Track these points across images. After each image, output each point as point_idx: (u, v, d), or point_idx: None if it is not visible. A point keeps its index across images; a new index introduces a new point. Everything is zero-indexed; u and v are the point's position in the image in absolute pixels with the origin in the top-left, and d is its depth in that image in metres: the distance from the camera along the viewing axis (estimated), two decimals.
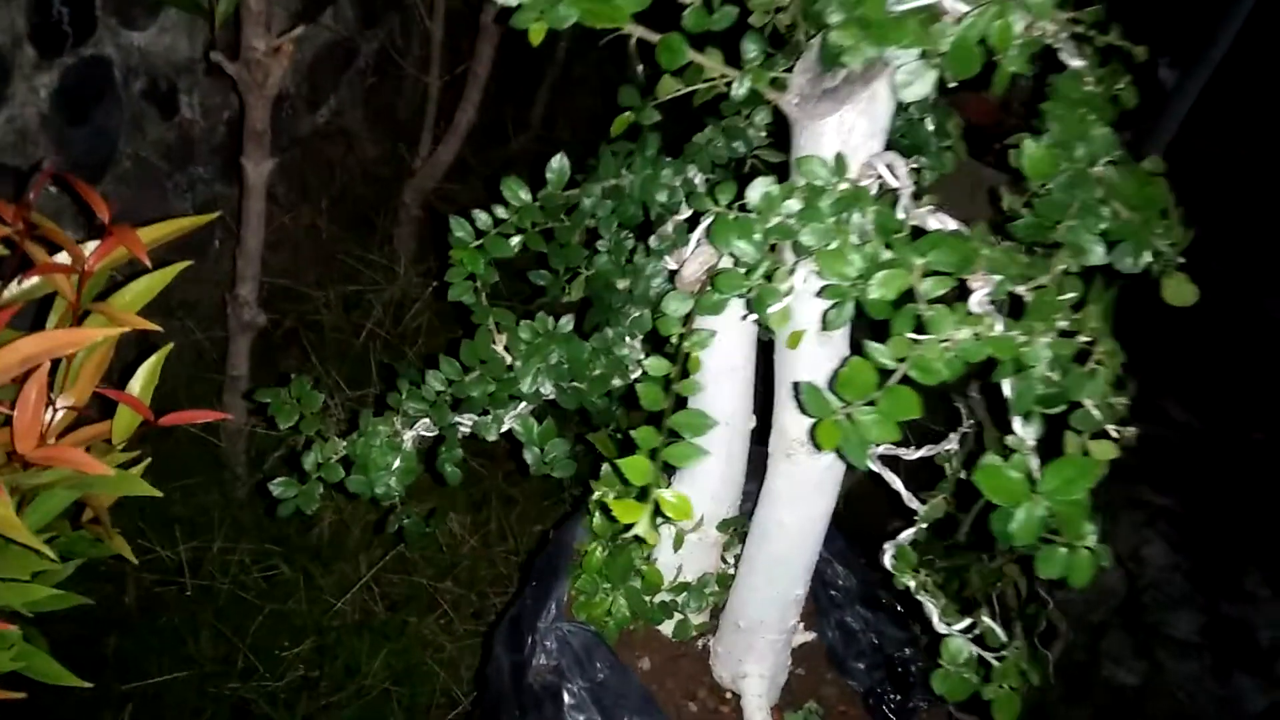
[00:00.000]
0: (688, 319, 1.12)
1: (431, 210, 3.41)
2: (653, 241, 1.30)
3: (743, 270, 0.97)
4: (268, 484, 1.28)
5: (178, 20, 2.49)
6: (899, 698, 1.46)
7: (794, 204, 0.97)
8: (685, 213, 1.29)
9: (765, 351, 1.38)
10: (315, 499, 1.27)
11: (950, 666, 1.09)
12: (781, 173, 1.17)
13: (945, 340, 0.85)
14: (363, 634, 2.48)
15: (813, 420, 0.83)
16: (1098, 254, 0.98)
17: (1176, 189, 1.04)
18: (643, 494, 0.86)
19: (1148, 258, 0.98)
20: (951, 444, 1.29)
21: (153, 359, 1.19)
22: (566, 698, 1.28)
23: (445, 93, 3.22)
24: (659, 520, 0.87)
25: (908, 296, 0.88)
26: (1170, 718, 2.70)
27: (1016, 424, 0.94)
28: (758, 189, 0.97)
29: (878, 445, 0.85)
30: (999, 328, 0.88)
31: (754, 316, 1.27)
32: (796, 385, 1.22)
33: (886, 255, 0.88)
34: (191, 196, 2.81)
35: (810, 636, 1.51)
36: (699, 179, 1.28)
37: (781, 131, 1.19)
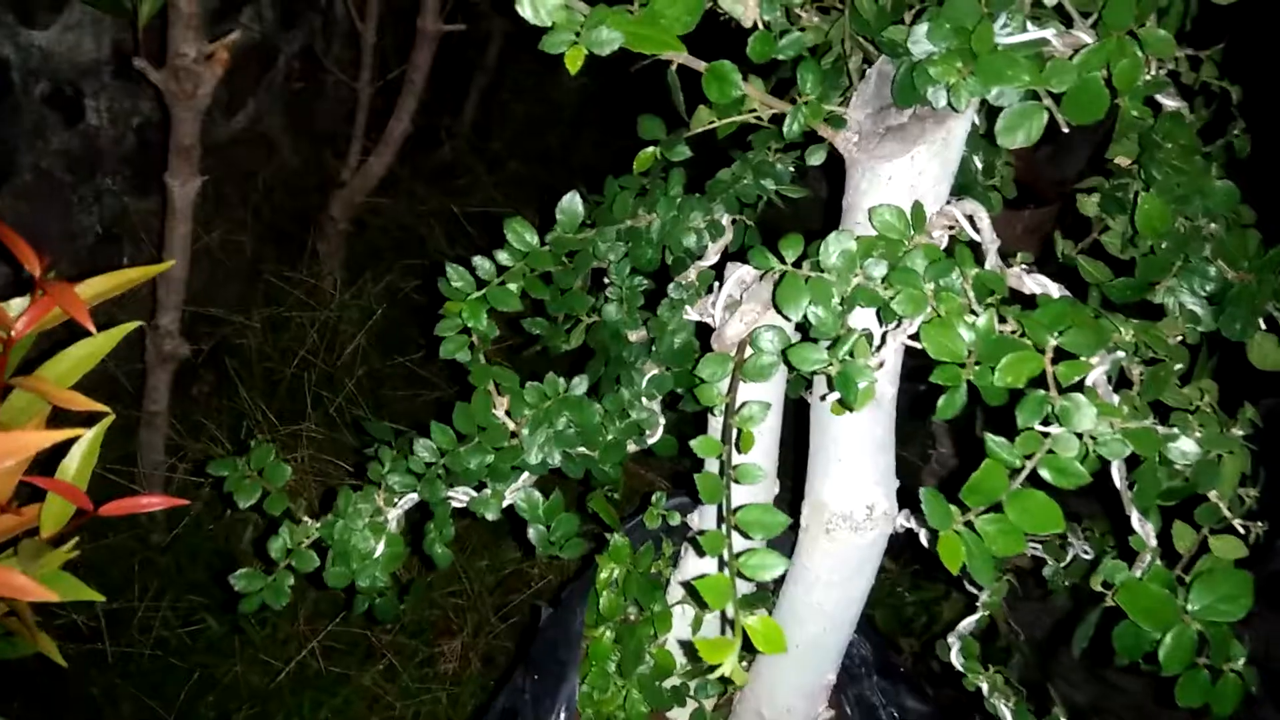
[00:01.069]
0: (730, 386, 0.99)
1: (360, 224, 3.20)
2: (672, 291, 1.15)
3: (819, 342, 0.83)
4: (229, 579, 1.09)
5: (83, 18, 2.25)
6: None
7: (876, 265, 0.83)
8: (711, 258, 1.14)
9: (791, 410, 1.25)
10: (285, 593, 1.09)
11: None
12: (820, 214, 1.04)
13: (1080, 435, 0.72)
14: (300, 692, 2.28)
15: (936, 532, 0.70)
16: (1206, 321, 0.87)
17: None
18: (728, 624, 0.72)
19: (1260, 324, 0.87)
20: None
21: (90, 435, 1.00)
22: None
23: (374, 100, 3.02)
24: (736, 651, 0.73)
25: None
26: None
27: (1135, 521, 0.83)
28: (836, 246, 0.84)
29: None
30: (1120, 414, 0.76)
31: (768, 388, 1.14)
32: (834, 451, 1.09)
33: (1003, 329, 0.76)
34: (98, 210, 2.56)
35: (829, 714, 1.38)
36: (726, 220, 1.14)
37: (828, 170, 1.06)
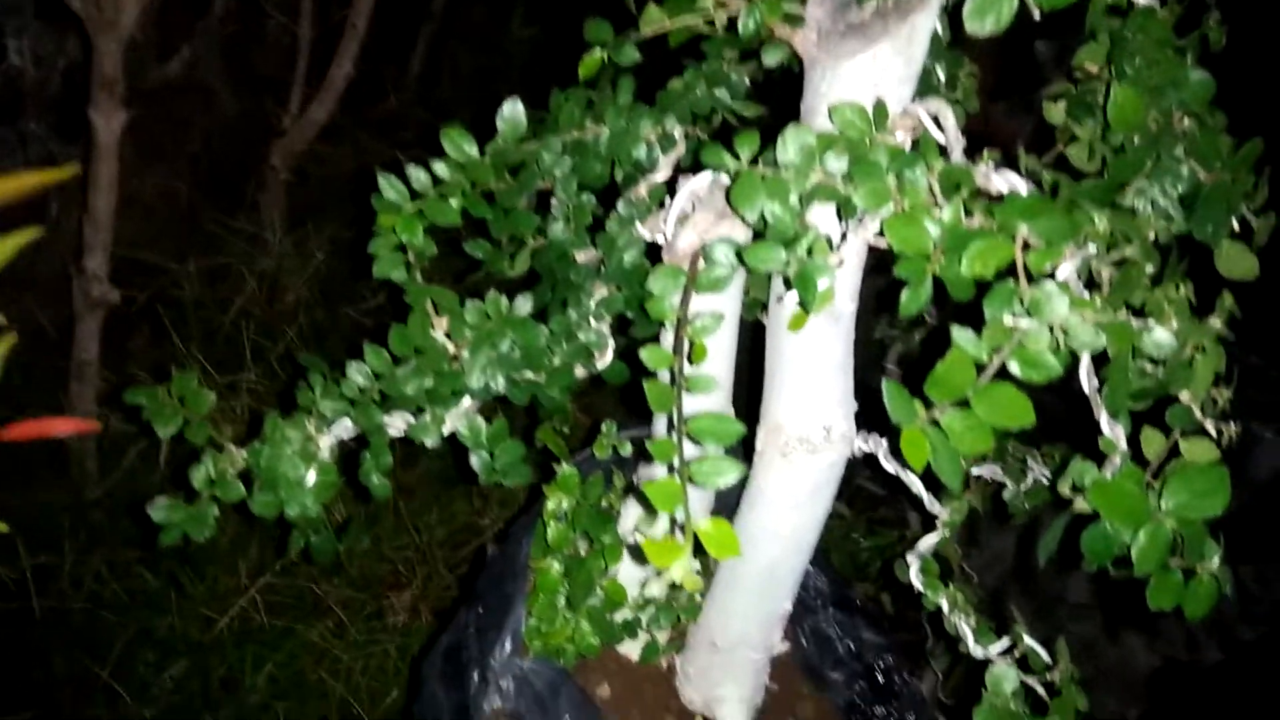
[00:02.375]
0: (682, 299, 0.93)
1: (302, 174, 3.09)
2: (621, 207, 1.09)
3: (776, 241, 0.78)
4: (146, 508, 1.02)
5: None
6: (882, 711, 1.32)
7: (836, 159, 0.78)
8: (663, 173, 1.09)
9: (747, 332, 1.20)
10: (208, 524, 1.02)
11: (996, 699, 0.94)
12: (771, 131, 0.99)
13: (1051, 327, 0.68)
14: (242, 645, 2.21)
15: (897, 453, 0.66)
16: (1178, 222, 0.83)
17: None
18: (678, 527, 0.67)
19: (1234, 226, 0.84)
20: None
21: None
22: None
23: (315, 45, 2.91)
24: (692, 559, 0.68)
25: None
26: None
27: (1105, 423, 0.79)
28: (794, 141, 0.79)
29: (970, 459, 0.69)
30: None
31: (729, 294, 1.10)
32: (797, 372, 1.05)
33: (971, 223, 0.71)
34: (23, 155, 2.45)
35: (785, 647, 1.35)
36: (678, 132, 1.08)
37: (777, 81, 1.00)
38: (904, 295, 0.72)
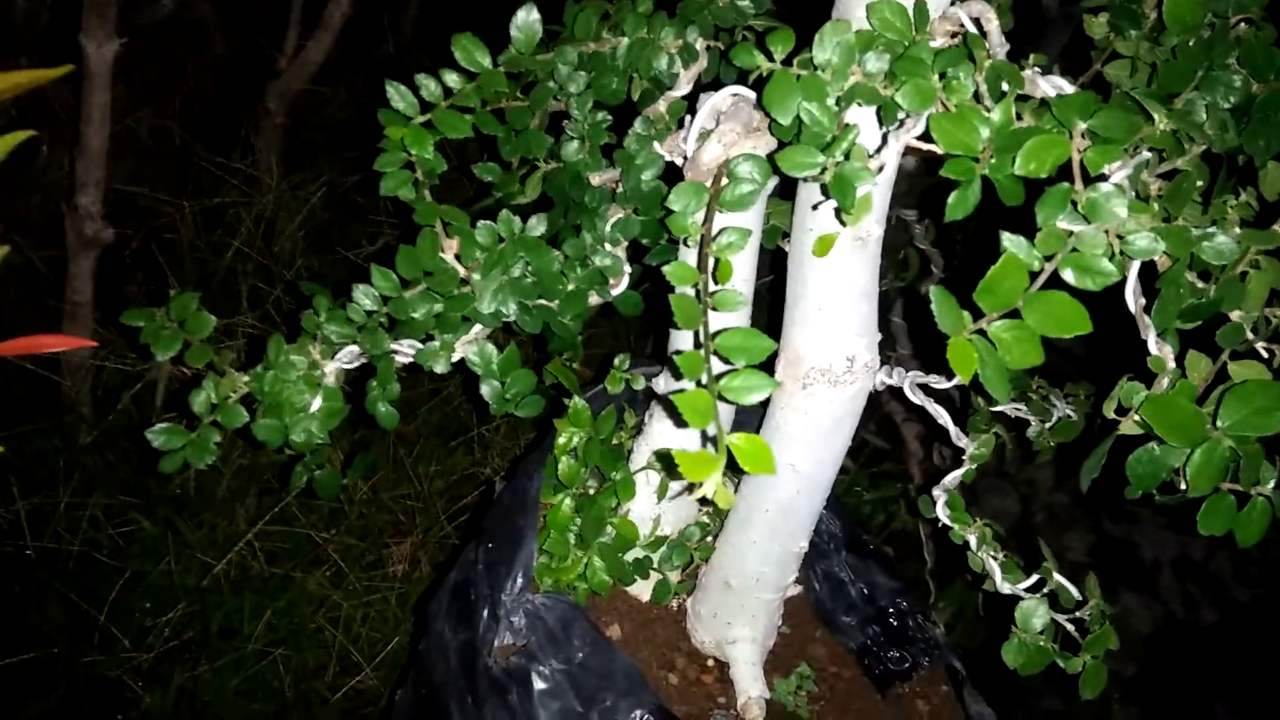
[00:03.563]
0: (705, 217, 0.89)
1: (298, 117, 3.01)
2: (638, 125, 1.05)
3: (813, 144, 0.73)
4: (145, 433, 0.98)
5: None
6: (896, 655, 1.30)
7: (877, 59, 0.74)
8: (683, 88, 1.04)
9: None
10: (210, 450, 0.98)
11: (1025, 635, 0.91)
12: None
13: (1107, 232, 0.64)
14: (240, 593, 2.18)
15: (925, 387, 0.62)
16: (1230, 137, 0.79)
17: None
18: (711, 443, 0.63)
19: None
20: None
21: None
22: (537, 682, 1.05)
23: None
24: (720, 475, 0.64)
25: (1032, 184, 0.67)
26: None
27: (1152, 342, 0.75)
28: (831, 38, 0.74)
29: (1021, 370, 0.65)
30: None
31: (752, 214, 1.05)
32: (819, 299, 1.01)
33: (1024, 123, 0.67)
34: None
35: (797, 590, 1.32)
36: (700, 45, 1.03)
37: None
38: (952, 198, 0.67)
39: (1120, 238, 0.65)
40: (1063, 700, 2.23)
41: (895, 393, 2.65)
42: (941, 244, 2.38)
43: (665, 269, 0.81)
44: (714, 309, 0.80)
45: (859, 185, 0.72)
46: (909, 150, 0.75)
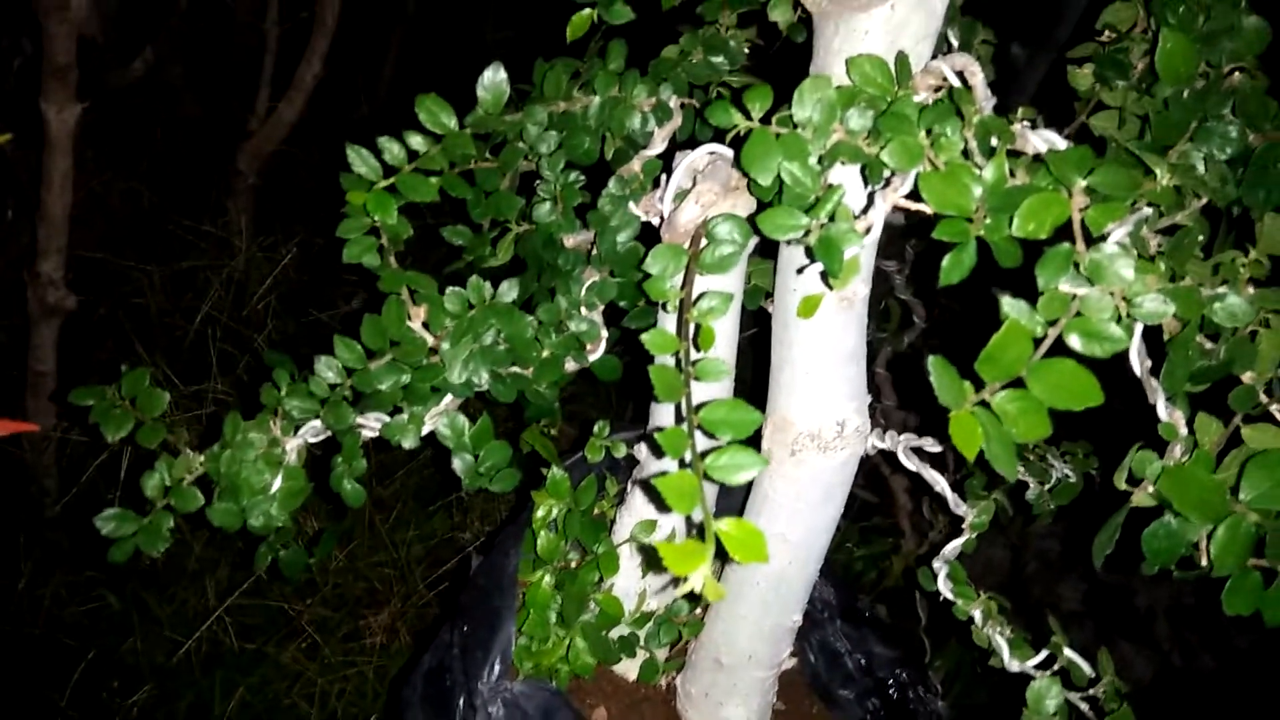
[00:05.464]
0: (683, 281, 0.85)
1: (270, 179, 2.98)
2: (613, 186, 1.01)
3: (795, 205, 0.69)
4: (93, 520, 0.92)
5: None
6: None
7: (860, 116, 0.70)
8: (657, 147, 1.00)
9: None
10: (163, 537, 0.92)
11: (1037, 718, 0.86)
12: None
13: (1112, 294, 0.60)
14: (211, 671, 2.10)
15: (919, 450, 0.57)
16: (1229, 189, 0.75)
17: None
18: (697, 529, 0.58)
19: None
20: None
21: None
22: None
23: (282, 44, 2.81)
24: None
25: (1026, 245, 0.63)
26: None
27: (1161, 408, 0.71)
28: (811, 95, 0.70)
29: (1028, 444, 0.61)
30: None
31: (732, 277, 1.01)
32: (804, 366, 0.96)
33: (1018, 180, 0.63)
34: None
35: (791, 663, 1.26)
36: (674, 103, 1.00)
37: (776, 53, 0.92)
38: (946, 261, 0.63)
39: (1126, 300, 0.60)
40: None
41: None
42: (922, 294, 2.36)
43: (644, 338, 0.76)
44: (696, 379, 0.75)
45: (846, 248, 0.68)
46: (896, 209, 0.71)
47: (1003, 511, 1.05)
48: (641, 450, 1.15)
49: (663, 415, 1.09)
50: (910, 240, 2.32)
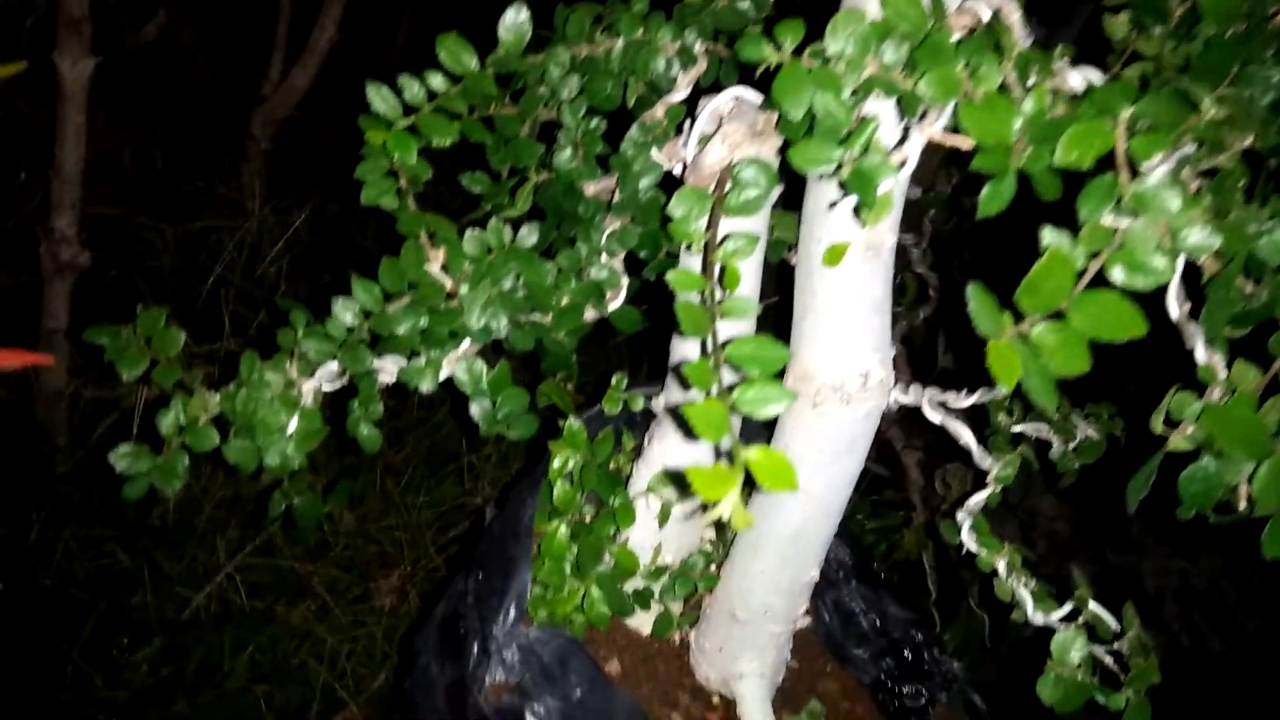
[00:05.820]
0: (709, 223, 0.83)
1: (283, 143, 2.96)
2: (635, 132, 0.99)
3: (828, 138, 0.68)
4: (108, 456, 0.91)
5: None
6: (912, 690, 1.23)
7: (895, 49, 0.68)
8: (681, 92, 0.99)
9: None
10: (178, 474, 0.91)
11: (1062, 669, 0.85)
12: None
13: (1157, 227, 0.58)
14: (221, 628, 2.10)
15: (986, 340, 0.56)
16: (1273, 132, 0.73)
17: None
18: (727, 456, 0.57)
19: None
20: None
21: None
22: None
23: (296, 8, 2.79)
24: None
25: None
26: None
27: (1200, 351, 0.70)
28: (845, 27, 0.69)
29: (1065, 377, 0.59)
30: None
31: (757, 221, 0.99)
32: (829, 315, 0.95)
33: (1059, 111, 0.61)
34: None
35: (805, 621, 1.25)
36: (699, 47, 0.98)
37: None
38: (984, 192, 0.62)
39: (1171, 233, 0.59)
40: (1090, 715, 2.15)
41: (896, 418, 2.58)
42: (939, 269, 2.34)
43: (668, 275, 0.75)
44: (722, 316, 0.74)
45: (880, 180, 0.66)
46: (930, 145, 0.69)
47: (1028, 465, 1.04)
48: (660, 399, 1.14)
49: (685, 353, 1.07)
50: (928, 214, 2.30)
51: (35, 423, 2.18)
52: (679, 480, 1.02)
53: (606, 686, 1.01)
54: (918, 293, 2.39)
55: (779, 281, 1.09)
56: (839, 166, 0.68)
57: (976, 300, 0.56)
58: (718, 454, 0.58)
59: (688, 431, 0.59)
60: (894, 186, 0.78)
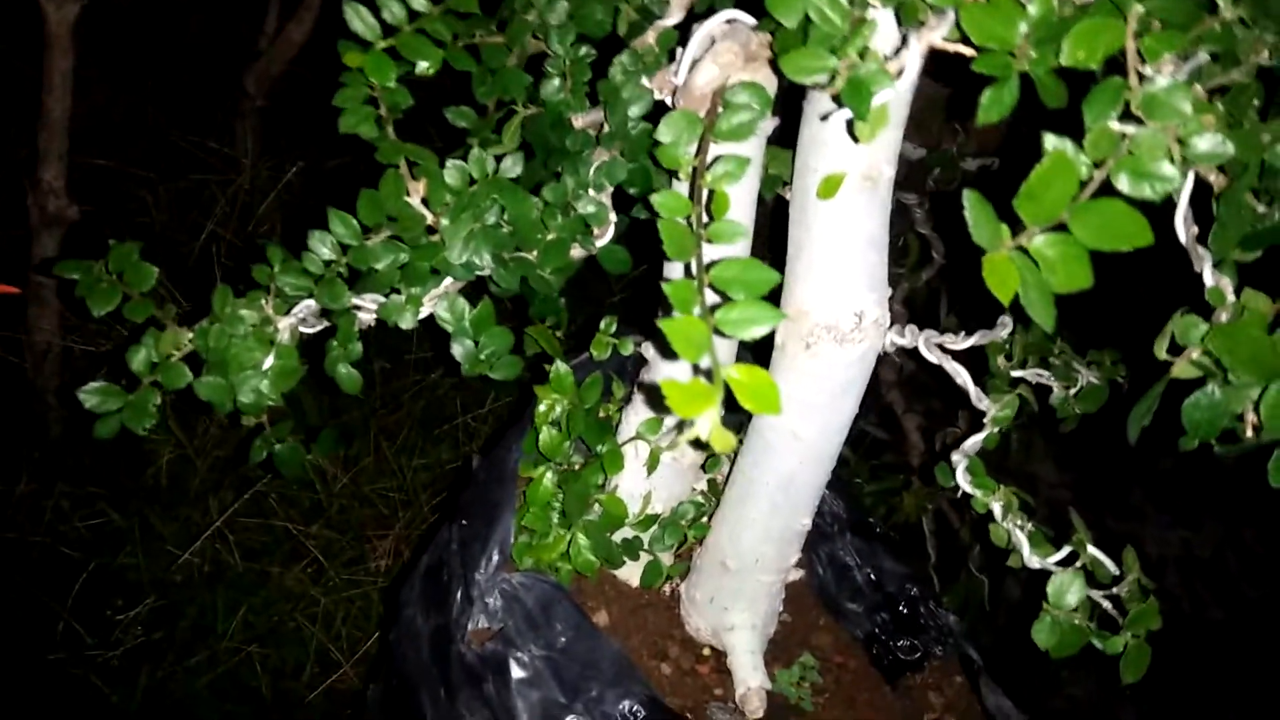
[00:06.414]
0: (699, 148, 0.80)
1: (277, 100, 2.92)
2: (625, 58, 0.95)
3: (822, 45, 0.64)
4: (78, 393, 0.89)
5: None
6: (906, 643, 1.21)
7: None
8: (674, 16, 0.95)
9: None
10: (149, 413, 0.88)
11: (1058, 612, 0.82)
12: None
13: (1166, 131, 0.55)
14: (215, 588, 2.08)
15: (984, 252, 0.53)
16: None
17: None
18: (704, 374, 0.54)
19: None
20: (1006, 326, 1.02)
21: None
22: (515, 670, 0.95)
23: None
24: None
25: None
26: None
27: (1208, 274, 0.66)
28: None
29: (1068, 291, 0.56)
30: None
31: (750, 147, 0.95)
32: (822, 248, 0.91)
33: (1068, 12, 0.58)
34: None
35: (799, 574, 1.23)
36: None
37: None
38: (985, 96, 0.58)
39: (1180, 141, 0.55)
40: (1070, 699, 2.14)
41: (897, 382, 2.52)
42: (941, 229, 2.30)
43: (654, 198, 0.71)
44: (709, 241, 0.70)
45: (876, 89, 0.62)
46: (931, 51, 0.66)
47: (1027, 405, 1.01)
48: (649, 349, 1.11)
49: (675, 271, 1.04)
50: (932, 173, 2.25)
51: (26, 380, 2.16)
52: (655, 395, 0.99)
53: (592, 634, 0.99)
54: (920, 254, 2.35)
55: (772, 234, 1.05)
56: (833, 77, 0.64)
57: (973, 209, 0.53)
58: (697, 372, 0.55)
59: (667, 350, 0.56)
60: (892, 100, 0.74)
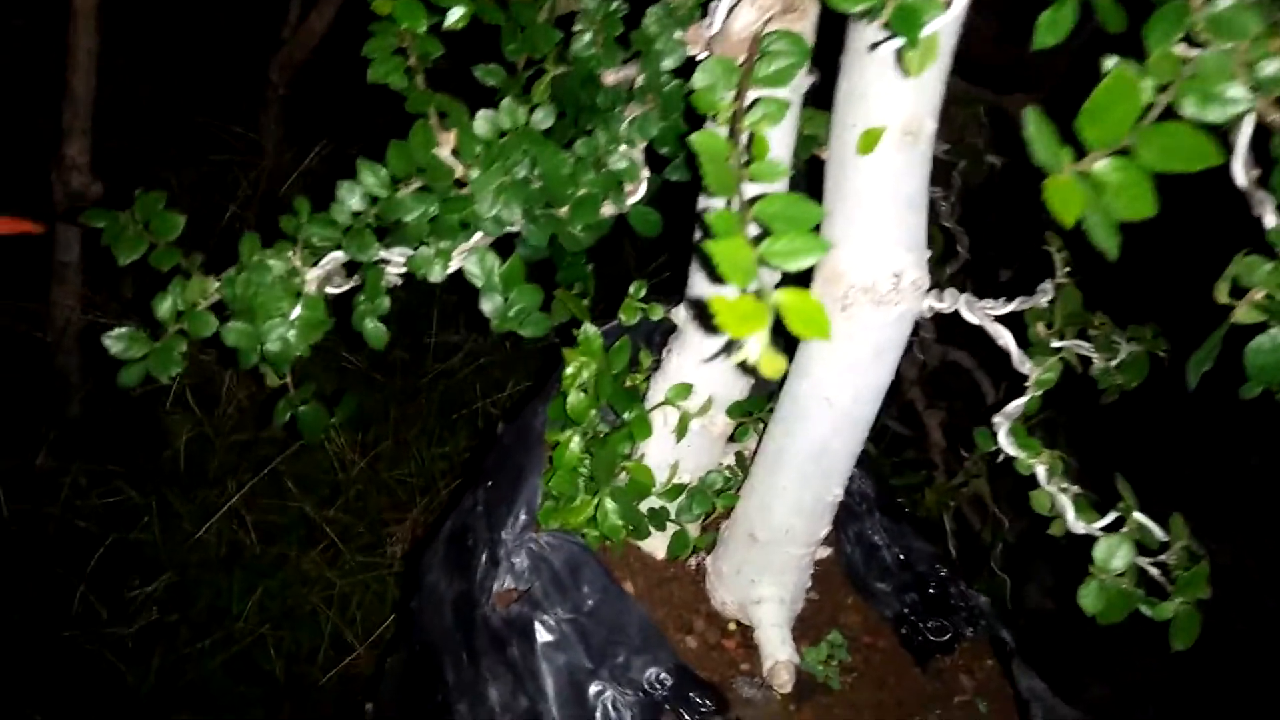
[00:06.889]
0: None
1: (300, 88, 2.92)
2: (659, 8, 0.94)
3: None
4: (102, 339, 0.87)
5: None
6: (936, 624, 1.18)
7: None
8: None
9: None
10: (175, 361, 0.87)
11: (1105, 577, 0.79)
12: None
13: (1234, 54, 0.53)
14: (231, 570, 2.07)
15: (1047, 177, 0.50)
16: None
17: None
18: (755, 293, 0.52)
19: None
20: (1047, 294, 0.99)
21: None
22: (541, 633, 0.93)
23: None
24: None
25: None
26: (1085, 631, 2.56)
27: (1269, 216, 0.64)
28: None
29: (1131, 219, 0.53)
30: None
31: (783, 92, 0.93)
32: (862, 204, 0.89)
33: None
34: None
35: (827, 552, 1.20)
36: None
37: None
38: (1043, 17, 0.56)
39: (1247, 64, 0.53)
40: (1105, 687, 2.10)
41: (918, 379, 2.48)
42: (967, 223, 2.27)
43: (692, 139, 0.69)
44: (750, 179, 0.68)
45: (927, 18, 0.60)
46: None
47: (1072, 369, 0.98)
48: (678, 314, 1.09)
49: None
50: (958, 166, 2.23)
51: (47, 356, 2.16)
52: (703, 312, 0.97)
53: (620, 598, 0.97)
54: (945, 248, 2.32)
55: (809, 183, 1.03)
56: (880, 6, 0.62)
57: (1034, 127, 0.51)
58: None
59: (710, 328, 0.54)
60: (942, 34, 0.72)
